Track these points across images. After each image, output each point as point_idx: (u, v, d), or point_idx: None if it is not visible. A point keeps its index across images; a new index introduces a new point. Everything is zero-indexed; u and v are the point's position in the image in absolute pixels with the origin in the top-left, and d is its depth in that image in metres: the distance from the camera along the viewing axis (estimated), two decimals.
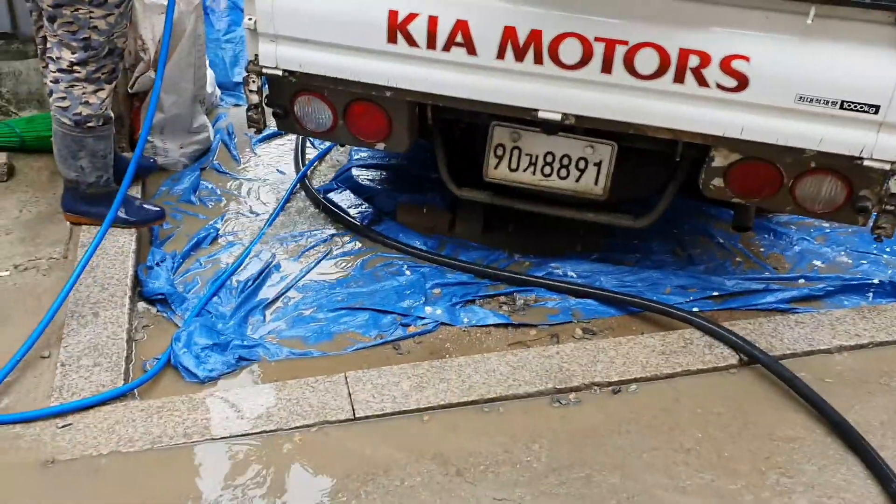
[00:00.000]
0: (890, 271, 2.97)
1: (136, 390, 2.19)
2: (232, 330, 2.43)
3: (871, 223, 2.39)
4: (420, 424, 2.16)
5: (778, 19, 2.12)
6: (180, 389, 2.23)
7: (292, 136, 3.63)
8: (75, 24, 2.44)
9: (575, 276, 2.81)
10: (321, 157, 3.53)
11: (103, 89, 2.56)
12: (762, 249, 3.12)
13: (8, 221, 2.74)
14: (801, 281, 2.89)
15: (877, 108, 2.14)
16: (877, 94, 2.13)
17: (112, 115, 2.65)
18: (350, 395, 2.20)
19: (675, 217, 3.18)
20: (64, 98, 2.53)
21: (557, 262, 2.87)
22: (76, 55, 2.48)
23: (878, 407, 2.32)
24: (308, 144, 3.61)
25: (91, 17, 2.43)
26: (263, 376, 2.32)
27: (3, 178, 2.93)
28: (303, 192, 3.24)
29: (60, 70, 2.51)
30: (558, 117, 2.36)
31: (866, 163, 2.23)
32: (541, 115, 2.37)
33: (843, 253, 3.13)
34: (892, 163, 2.21)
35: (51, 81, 2.55)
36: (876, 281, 2.87)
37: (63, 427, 2.03)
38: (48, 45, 2.53)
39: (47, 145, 3.00)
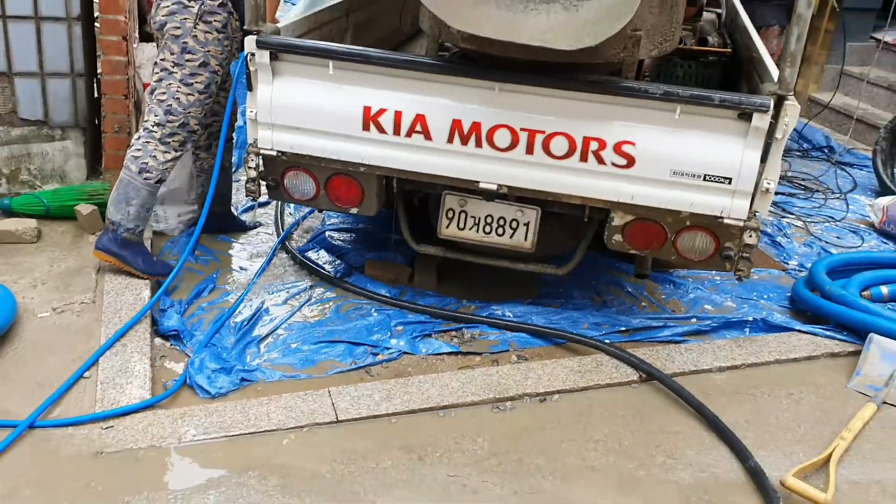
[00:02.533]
0: (764, 312, 3.68)
1: (161, 402, 2.73)
2: (234, 358, 3.00)
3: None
4: (389, 425, 2.74)
5: (654, 114, 2.85)
6: (196, 403, 2.78)
7: (271, 207, 4.26)
8: (165, 94, 3.21)
9: (511, 315, 3.45)
10: (298, 224, 4.15)
11: (170, 153, 3.28)
12: (663, 296, 3.82)
13: (42, 274, 3.29)
14: (693, 320, 3.58)
15: (730, 180, 2.87)
16: (729, 169, 2.85)
17: (165, 179, 3.32)
18: (333, 403, 2.78)
19: (592, 271, 3.87)
20: (139, 150, 3.24)
21: (497, 305, 3.51)
22: (157, 118, 3.23)
23: (745, 411, 2.99)
24: (288, 211, 4.24)
25: (177, 91, 3.22)
26: (262, 392, 2.88)
27: (33, 240, 3.48)
28: (284, 252, 3.86)
29: (144, 129, 3.26)
30: (495, 187, 3.04)
31: (726, 221, 2.94)
32: (482, 185, 3.04)
33: (729, 299, 3.85)
34: (744, 220, 2.93)
35: (134, 139, 3.28)
36: (751, 319, 3.59)
37: (106, 428, 2.57)
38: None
39: (69, 213, 3.62)
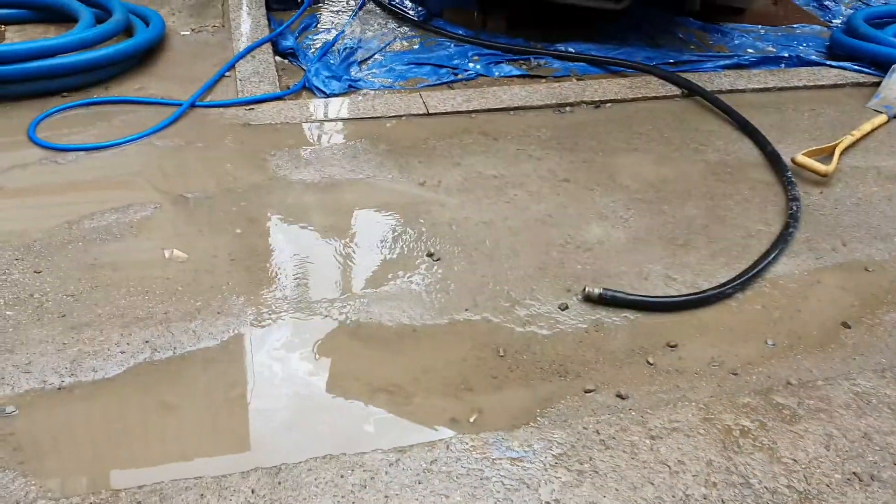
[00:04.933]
0: (801, 54, 4.11)
1: (287, 96, 3.39)
2: (342, 71, 3.63)
3: None
4: (469, 119, 3.37)
5: None
6: (314, 99, 3.44)
7: None
8: None
9: (573, 51, 3.97)
10: None
11: None
12: (711, 42, 4.27)
13: (177, 6, 3.94)
14: (735, 58, 4.05)
15: None
16: None
17: None
18: (424, 102, 3.41)
19: (650, 23, 4.31)
20: None
21: (561, 45, 4.02)
22: None
23: (771, 119, 3.50)
24: None
25: None
26: (366, 95, 3.52)
27: None
28: (373, 2, 4.39)
29: None
30: None
31: None
32: None
33: (770, 45, 4.28)
34: None
35: None
36: (787, 56, 4.04)
37: (249, 109, 3.25)
38: None
39: None
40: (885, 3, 4.81)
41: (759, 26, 4.46)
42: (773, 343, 2.27)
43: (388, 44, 3.98)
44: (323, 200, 2.78)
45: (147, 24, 3.50)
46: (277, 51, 3.74)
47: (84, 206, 2.60)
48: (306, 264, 2.44)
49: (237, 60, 3.47)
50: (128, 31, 3.44)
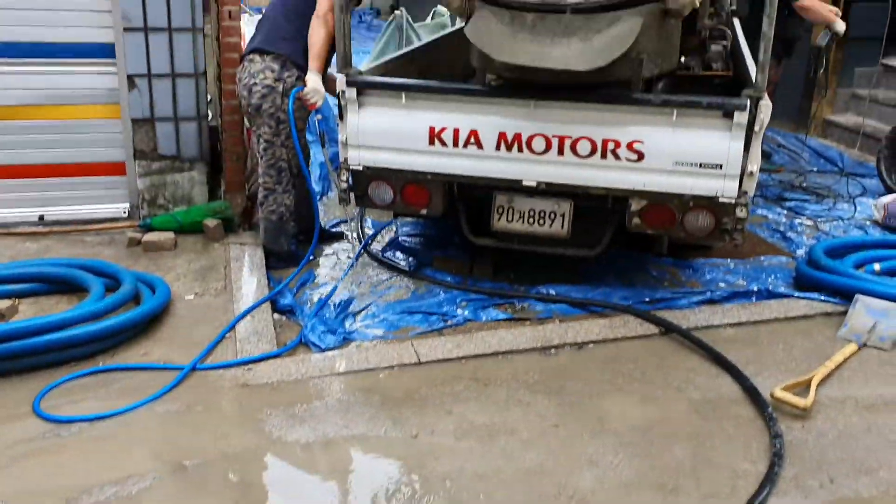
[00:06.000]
0: (770, 286, 4.37)
1: (284, 353, 3.56)
2: (337, 324, 3.83)
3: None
4: (460, 364, 3.52)
5: (657, 118, 3.65)
6: (310, 354, 3.60)
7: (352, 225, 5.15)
8: (273, 159, 4.29)
9: (554, 292, 4.21)
10: (377, 233, 5.01)
11: (290, 195, 4.39)
12: (683, 278, 4.54)
13: (182, 271, 4.20)
14: (707, 293, 4.29)
15: (721, 166, 3.63)
16: (719, 157, 3.61)
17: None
18: (416, 350, 3.58)
19: (623, 259, 4.61)
20: (271, 206, 4.36)
21: (543, 286, 4.28)
22: (273, 178, 4.32)
23: (747, 353, 3.66)
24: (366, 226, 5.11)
25: (281, 154, 4.26)
26: (360, 347, 3.69)
27: (172, 248, 4.41)
28: (367, 255, 4.70)
29: (265, 188, 4.37)
30: (535, 184, 3.85)
31: (721, 199, 3.69)
32: (524, 183, 3.86)
33: (740, 279, 4.54)
34: (735, 198, 3.67)
35: (261, 198, 4.38)
36: (756, 289, 4.28)
37: (248, 370, 3.40)
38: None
39: (198, 227, 4.54)
40: (844, 234, 5.15)
41: (728, 259, 4.76)
42: None
43: (382, 294, 4.22)
44: (316, 462, 2.85)
45: (153, 291, 3.74)
46: (276, 308, 3.97)
47: (84, 479, 2.67)
48: None
49: (237, 322, 3.68)
50: (136, 298, 3.67)
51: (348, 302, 4.07)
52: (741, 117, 3.54)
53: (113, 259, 4.19)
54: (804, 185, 6.31)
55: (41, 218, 4.63)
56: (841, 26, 5.69)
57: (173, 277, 4.11)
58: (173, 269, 4.21)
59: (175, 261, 4.32)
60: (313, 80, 4.15)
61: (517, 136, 3.79)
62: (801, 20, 6.07)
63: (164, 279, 3.97)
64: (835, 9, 5.70)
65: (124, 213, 4.71)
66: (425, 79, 4.95)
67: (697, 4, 3.70)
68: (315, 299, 4.12)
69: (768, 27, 3.43)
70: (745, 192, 3.67)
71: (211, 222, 4.51)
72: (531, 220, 4.04)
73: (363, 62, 6.06)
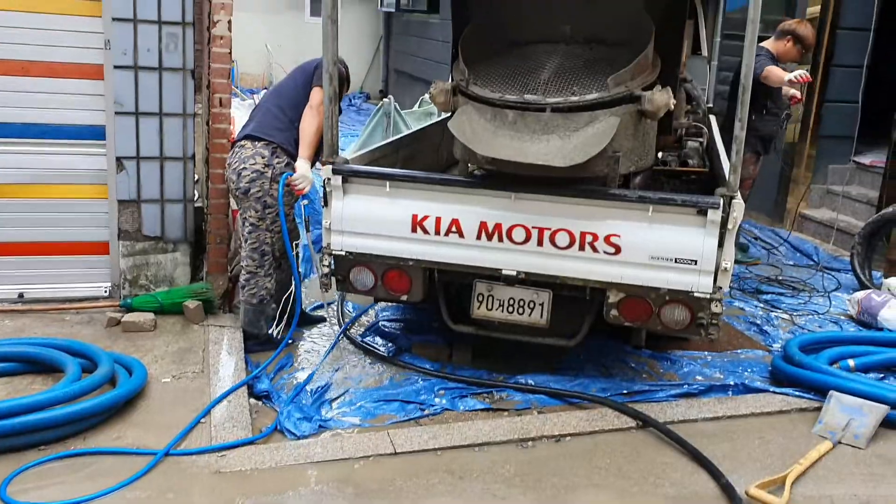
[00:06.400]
0: (746, 380, 4.40)
1: (259, 440, 3.53)
2: (313, 411, 3.80)
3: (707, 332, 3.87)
4: (435, 456, 3.50)
5: (633, 213, 3.74)
6: (285, 441, 3.57)
7: (332, 310, 5.16)
8: (257, 242, 4.35)
9: (533, 382, 4.22)
10: (357, 318, 5.03)
11: (272, 278, 4.45)
12: (661, 370, 4.57)
13: (161, 353, 4.18)
14: (685, 386, 4.31)
15: (695, 262, 3.70)
16: (694, 253, 3.69)
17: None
18: (391, 441, 3.56)
19: (602, 350, 4.64)
20: (252, 288, 4.40)
21: (521, 376, 4.28)
22: (256, 261, 4.37)
23: (723, 448, 3.67)
24: (346, 310, 5.13)
25: (266, 238, 4.34)
26: (336, 436, 3.66)
27: (151, 328, 4.40)
28: (346, 339, 4.71)
29: (248, 271, 4.42)
30: (514, 273, 3.90)
31: (696, 294, 3.75)
32: (504, 272, 3.92)
33: (717, 372, 4.57)
34: (710, 294, 3.74)
35: (243, 280, 4.41)
36: (733, 383, 4.31)
37: (221, 456, 3.36)
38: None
39: (178, 309, 4.53)
40: (819, 328, 5.23)
41: (706, 352, 4.80)
42: None
43: (360, 380, 4.21)
44: None
45: (130, 373, 3.72)
46: (253, 393, 3.94)
47: None
48: None
49: (212, 407, 3.65)
50: (112, 380, 3.64)
51: (325, 388, 4.06)
52: (715, 215, 3.63)
53: (91, 339, 4.17)
54: (780, 278, 6.42)
55: (21, 295, 4.62)
56: (796, 92, 6.08)
57: (151, 359, 4.09)
58: (151, 351, 4.19)
59: (154, 342, 4.31)
60: (303, 167, 4.26)
61: (498, 226, 3.87)
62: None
63: (142, 361, 3.95)
64: (800, 73, 5.93)
65: (105, 292, 4.71)
66: (411, 166, 5.11)
67: (672, 107, 3.84)
68: (292, 384, 4.10)
69: (740, 130, 3.56)
70: (720, 288, 3.73)
71: (191, 304, 4.51)
72: (510, 308, 4.08)
73: (351, 145, 6.17)
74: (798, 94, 6.24)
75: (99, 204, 4.61)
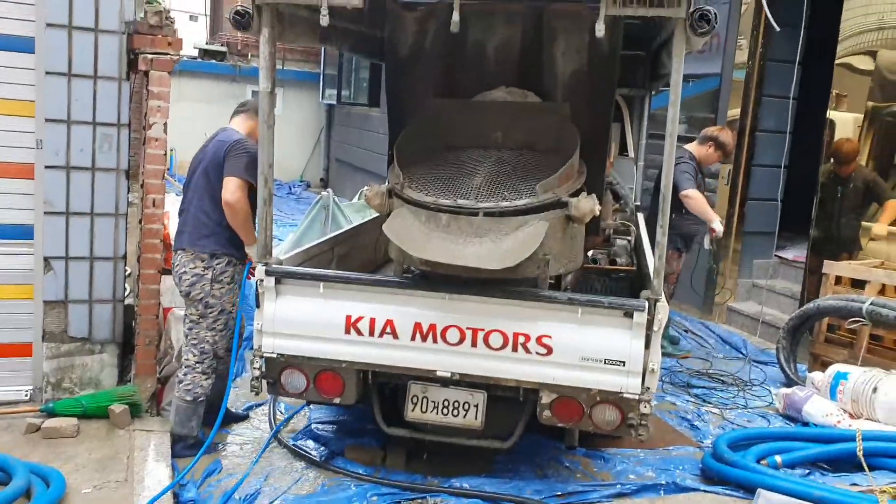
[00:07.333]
0: (678, 479, 4.43)
1: None
2: None
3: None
4: None
5: (564, 314, 3.81)
6: None
7: (264, 410, 5.06)
8: (196, 339, 4.32)
9: (468, 486, 4.17)
10: (288, 420, 4.93)
11: (209, 377, 4.37)
12: (595, 469, 4.57)
13: (83, 461, 4.02)
14: (618, 486, 4.32)
15: (623, 363, 3.78)
16: (622, 354, 3.77)
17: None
18: None
19: (536, 450, 4.64)
20: (188, 384, 4.31)
21: (456, 479, 4.23)
22: (195, 357, 4.33)
23: None
24: (279, 409, 5.03)
25: (206, 336, 4.30)
26: None
27: (74, 435, 4.24)
28: (277, 442, 4.61)
29: (186, 367, 4.34)
30: (449, 374, 3.91)
31: (625, 395, 3.81)
32: (438, 374, 3.92)
33: (650, 470, 4.59)
34: (639, 394, 3.80)
35: (181, 376, 4.32)
36: (664, 482, 4.34)
37: None
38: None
39: (103, 413, 4.39)
40: (748, 423, 5.33)
41: (639, 450, 4.83)
42: None
43: (291, 487, 4.11)
44: None
45: (48, 485, 3.56)
46: (178, 502, 3.81)
47: None
48: None
49: None
50: (27, 494, 3.48)
51: (255, 495, 3.95)
52: (640, 317, 3.73)
53: (8, 447, 3.99)
54: (710, 371, 6.56)
55: None
56: (718, 225, 6.38)
57: (72, 468, 3.93)
58: (73, 459, 4.03)
59: (76, 449, 4.14)
60: (253, 251, 4.28)
61: (432, 327, 3.89)
62: (697, 218, 6.56)
63: (62, 470, 3.79)
64: (714, 215, 6.35)
65: (26, 395, 4.55)
66: (347, 263, 5.14)
67: (598, 212, 3.98)
68: (221, 491, 3.98)
69: (661, 236, 3.71)
70: (648, 389, 3.80)
71: (117, 408, 4.38)
72: (445, 410, 4.07)
73: (289, 236, 6.17)
74: (717, 229, 6.51)
75: (23, 304, 4.50)
